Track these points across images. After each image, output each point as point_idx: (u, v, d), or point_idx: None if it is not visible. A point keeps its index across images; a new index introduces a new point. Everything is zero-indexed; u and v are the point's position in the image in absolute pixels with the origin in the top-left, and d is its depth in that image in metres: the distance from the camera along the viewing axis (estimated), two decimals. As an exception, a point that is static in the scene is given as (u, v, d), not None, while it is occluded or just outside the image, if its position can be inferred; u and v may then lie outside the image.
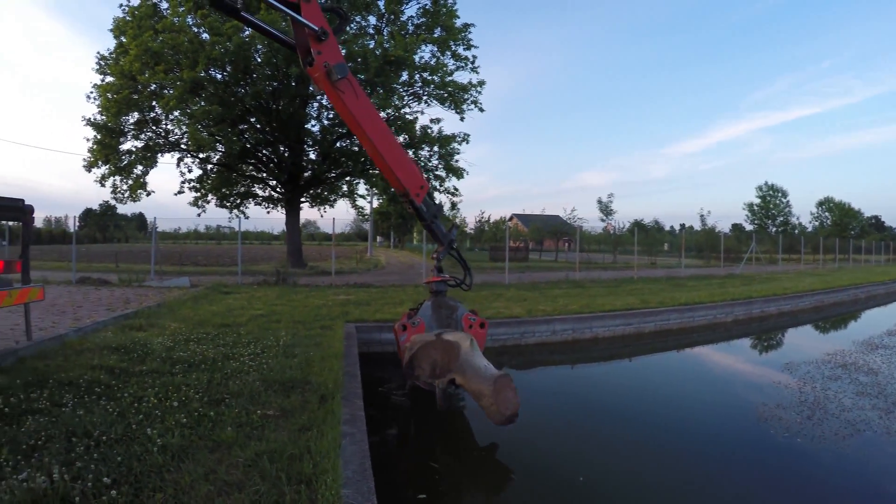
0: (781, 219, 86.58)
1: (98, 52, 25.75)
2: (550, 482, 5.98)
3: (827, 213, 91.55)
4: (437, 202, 8.88)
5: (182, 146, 26.45)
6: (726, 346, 14.73)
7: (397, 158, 8.10)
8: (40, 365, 6.90)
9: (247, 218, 31.20)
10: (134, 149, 25.71)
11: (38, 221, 76.38)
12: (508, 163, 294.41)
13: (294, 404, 5.67)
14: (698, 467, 6.58)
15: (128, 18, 24.15)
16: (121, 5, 24.80)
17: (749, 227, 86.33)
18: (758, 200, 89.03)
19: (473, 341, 7.53)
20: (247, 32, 21.03)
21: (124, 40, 23.42)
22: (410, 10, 26.14)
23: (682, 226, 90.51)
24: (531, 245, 56.20)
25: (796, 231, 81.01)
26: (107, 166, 25.12)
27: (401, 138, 26.38)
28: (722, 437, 7.61)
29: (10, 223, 14.96)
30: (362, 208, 34.15)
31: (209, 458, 4.27)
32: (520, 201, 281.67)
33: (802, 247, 46.14)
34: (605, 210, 52.49)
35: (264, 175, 29.79)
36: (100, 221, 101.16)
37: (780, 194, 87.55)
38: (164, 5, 24.52)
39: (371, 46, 23.34)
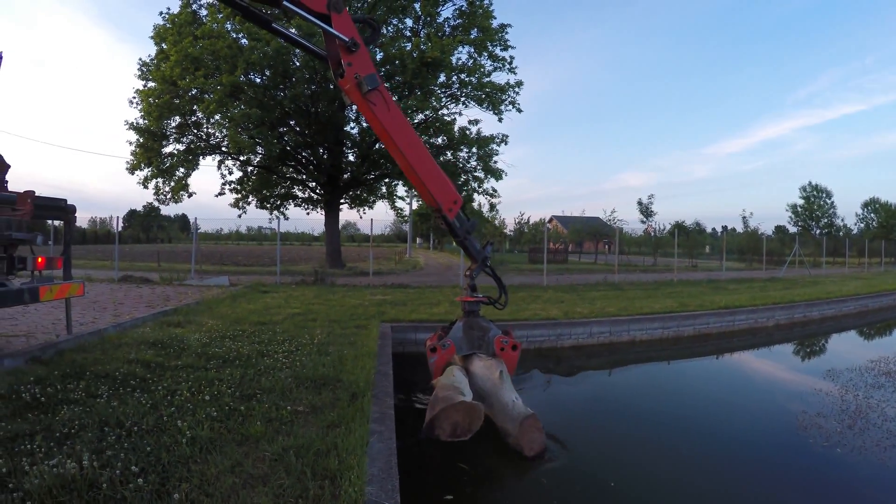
0: (826, 220, 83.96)
1: (140, 59, 26.44)
2: (582, 486, 5.85)
3: (873, 215, 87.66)
4: (470, 217, 8.68)
5: (223, 149, 26.94)
6: (767, 351, 14.31)
7: (429, 172, 7.85)
8: (78, 358, 7.07)
9: (286, 219, 31.68)
10: (176, 152, 26.31)
11: (84, 222, 78.94)
12: (548, 164, 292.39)
13: (324, 401, 5.68)
14: (734, 475, 6.35)
15: (168, 26, 24.77)
16: (161, 13, 25.49)
17: (792, 229, 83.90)
18: (801, 202, 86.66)
19: (504, 372, 7.43)
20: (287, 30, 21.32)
21: (165, 47, 24.01)
22: (446, 12, 26.20)
23: (724, 228, 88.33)
24: (570, 247, 55.69)
25: (841, 233, 78.43)
26: (149, 169, 25.75)
27: (439, 140, 26.47)
28: (759, 444, 7.34)
29: (55, 223, 15.41)
30: (401, 210, 34.20)
31: (237, 451, 4.28)
32: (559, 202, 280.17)
33: (847, 250, 44.58)
34: (646, 211, 51.58)
35: (304, 177, 30.12)
36: (143, 222, 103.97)
37: (824, 195, 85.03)
38: (203, 12, 25.04)
39: (408, 48, 23.44)
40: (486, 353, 8.14)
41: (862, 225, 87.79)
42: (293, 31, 19.23)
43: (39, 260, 7.54)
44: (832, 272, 37.02)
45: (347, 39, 6.74)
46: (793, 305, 17.69)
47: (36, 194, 7.47)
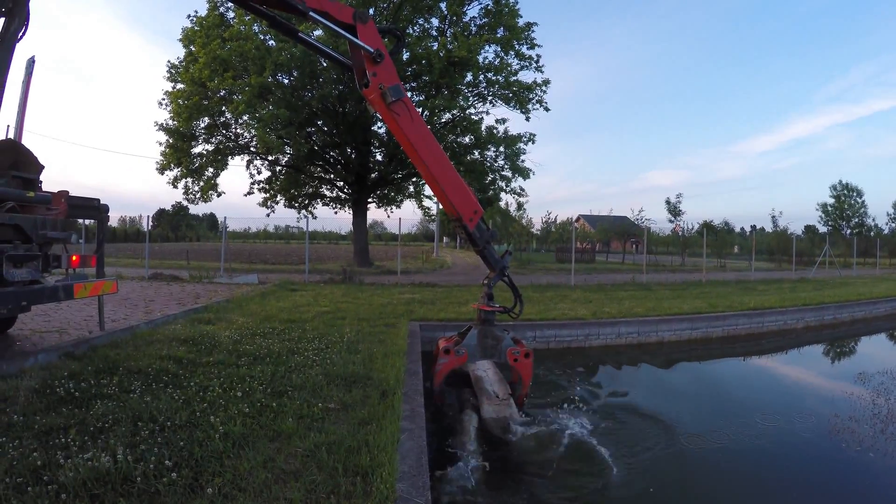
0: (856, 220, 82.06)
1: (168, 61, 26.90)
2: (613, 490, 5.75)
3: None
4: (491, 227, 8.63)
5: (251, 149, 27.28)
6: (797, 353, 13.98)
7: (451, 182, 7.80)
8: (111, 354, 7.15)
9: (314, 218, 32.00)
10: (205, 152, 26.69)
11: (114, 221, 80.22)
12: (575, 163, 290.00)
13: (355, 399, 5.66)
14: (765, 480, 6.19)
15: (196, 28, 25.11)
16: (189, 16, 25.89)
17: (822, 229, 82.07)
18: (832, 201, 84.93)
19: (511, 403, 7.43)
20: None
21: (193, 49, 24.30)
22: (473, 11, 26.07)
23: (753, 227, 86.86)
24: (598, 246, 55.22)
25: (872, 233, 76.41)
26: (179, 169, 26.16)
27: (466, 139, 26.50)
28: (791, 447, 7.19)
29: (87, 221, 15.64)
30: (428, 209, 34.23)
31: (269, 446, 4.29)
32: (587, 202, 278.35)
33: (878, 250, 43.41)
34: (674, 211, 50.90)
35: (332, 176, 30.37)
36: (172, 221, 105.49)
37: (855, 194, 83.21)
38: (231, 15, 25.28)
39: (434, 48, 23.42)
40: (499, 361, 8.19)
41: (893, 225, 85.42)
42: (318, 32, 19.42)
43: (74, 258, 7.64)
44: (863, 273, 36.11)
45: (373, 50, 6.76)
46: (823, 307, 17.27)
47: (70, 194, 7.58)
